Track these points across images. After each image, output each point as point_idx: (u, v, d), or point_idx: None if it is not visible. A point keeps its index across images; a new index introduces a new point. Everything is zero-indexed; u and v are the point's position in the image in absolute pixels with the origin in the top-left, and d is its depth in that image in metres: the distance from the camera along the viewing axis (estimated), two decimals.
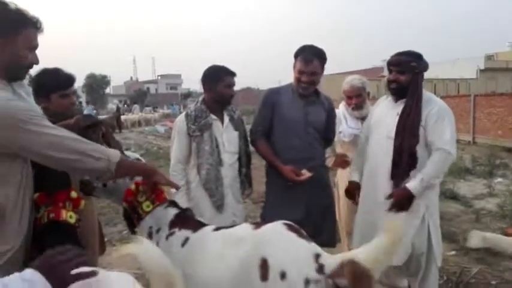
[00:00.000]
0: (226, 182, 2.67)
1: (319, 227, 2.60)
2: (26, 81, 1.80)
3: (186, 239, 1.88)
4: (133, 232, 2.12)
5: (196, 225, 1.97)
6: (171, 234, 1.94)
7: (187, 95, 52.59)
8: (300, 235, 1.67)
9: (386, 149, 2.59)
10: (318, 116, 2.76)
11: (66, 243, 1.62)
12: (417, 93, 2.55)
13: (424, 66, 2.60)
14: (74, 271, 1.00)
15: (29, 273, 0.97)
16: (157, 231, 1.99)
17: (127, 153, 2.12)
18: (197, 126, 2.64)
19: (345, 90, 3.33)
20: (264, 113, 2.77)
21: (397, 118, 2.59)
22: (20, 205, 1.54)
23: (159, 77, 68.32)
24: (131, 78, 70.42)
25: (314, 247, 1.64)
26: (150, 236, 1.98)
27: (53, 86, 2.30)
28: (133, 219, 2.05)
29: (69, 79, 2.42)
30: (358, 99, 3.27)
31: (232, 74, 2.75)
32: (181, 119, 2.75)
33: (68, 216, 1.66)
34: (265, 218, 2.60)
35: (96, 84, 47.43)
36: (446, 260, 3.54)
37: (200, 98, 2.80)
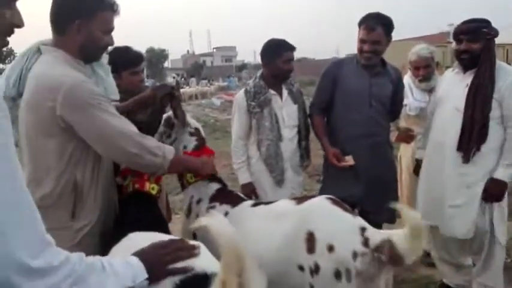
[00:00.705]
0: (286, 156, 2.68)
1: (380, 204, 2.56)
2: (105, 60, 1.86)
3: (226, 213, 1.95)
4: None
5: (236, 200, 2.03)
6: (211, 207, 2.03)
7: (242, 67, 52.82)
8: (345, 209, 1.70)
9: (454, 122, 2.47)
10: (383, 88, 2.66)
11: (148, 212, 1.79)
12: (490, 61, 2.40)
13: (495, 31, 2.44)
14: (171, 266, 1.07)
15: (135, 261, 1.04)
16: (198, 202, 2.09)
17: (190, 120, 2.20)
18: (256, 103, 2.65)
19: (411, 60, 3.18)
20: (324, 86, 2.73)
21: (466, 89, 2.45)
22: (95, 184, 1.64)
23: (215, 50, 69.06)
24: (188, 51, 71.87)
25: (359, 220, 1.66)
26: (190, 205, 2.11)
27: (124, 63, 2.40)
28: (180, 183, 2.19)
29: (139, 57, 2.54)
30: (426, 70, 3.11)
31: (292, 49, 2.70)
32: (241, 95, 2.77)
33: (151, 188, 1.80)
34: (324, 194, 2.62)
35: (156, 59, 48.84)
36: None
37: (258, 73, 2.79)
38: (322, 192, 2.73)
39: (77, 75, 1.55)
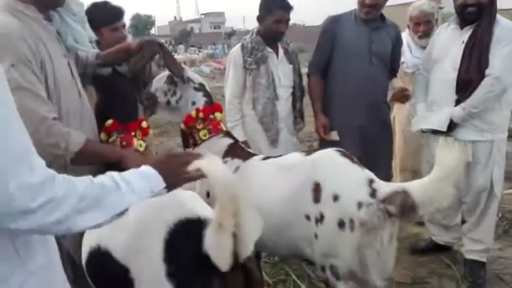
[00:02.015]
0: (281, 116, 2.66)
1: (375, 164, 2.58)
2: (78, 7, 1.72)
3: (237, 168, 1.95)
4: (186, 148, 2.21)
5: (247, 155, 2.02)
6: (224, 162, 1.96)
7: (231, 33, 51.76)
8: (353, 161, 1.70)
9: (452, 81, 2.43)
10: (383, 44, 2.63)
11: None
12: (491, 16, 2.35)
13: None
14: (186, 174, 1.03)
15: (151, 171, 1.02)
16: None
17: (192, 75, 2.12)
18: (253, 59, 2.58)
19: (412, 16, 3.11)
20: (323, 44, 2.67)
21: (463, 46, 2.40)
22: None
23: (202, 16, 67.41)
24: (175, 18, 70.01)
25: (367, 173, 1.67)
26: None
27: (103, 19, 2.31)
28: (188, 142, 2.13)
29: (118, 12, 2.41)
30: (426, 25, 3.06)
31: (286, 8, 2.58)
32: (237, 50, 2.68)
33: (138, 145, 1.75)
34: None
35: (142, 25, 47.62)
36: (502, 198, 3.45)
37: (255, 29, 2.70)
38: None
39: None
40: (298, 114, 2.81)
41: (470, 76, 2.36)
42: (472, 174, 2.48)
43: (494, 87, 2.31)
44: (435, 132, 2.51)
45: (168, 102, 2.09)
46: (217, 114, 2.11)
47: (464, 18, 2.46)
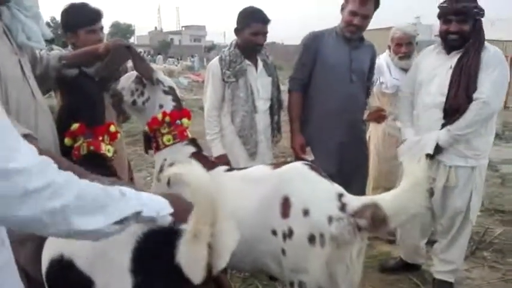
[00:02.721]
0: (260, 129, 2.64)
1: (349, 181, 2.58)
2: (30, 1, 1.61)
3: None
4: (147, 153, 2.19)
5: (211, 165, 1.95)
6: None
7: (211, 47, 51.92)
8: (321, 175, 1.68)
9: (438, 106, 2.43)
10: (362, 63, 2.67)
11: (105, 175, 1.70)
12: (479, 42, 2.37)
13: (483, 10, 2.40)
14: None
15: (159, 197, 1.02)
16: (170, 165, 1.95)
17: (162, 77, 2.06)
18: (232, 72, 2.56)
19: (395, 37, 3.18)
20: (305, 59, 2.68)
21: (450, 71, 2.41)
22: None
23: (183, 28, 67.43)
24: (155, 28, 69.69)
25: (336, 187, 1.65)
26: (161, 167, 2.00)
27: (79, 21, 2.28)
28: (149, 145, 2.07)
29: (96, 14, 2.37)
30: (408, 47, 3.13)
31: (263, 21, 2.56)
32: (215, 63, 2.67)
33: (107, 149, 1.70)
34: None
35: (121, 34, 47.22)
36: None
37: (234, 42, 2.68)
38: None
39: None
40: (275, 127, 2.81)
41: (458, 102, 2.35)
42: (449, 196, 2.51)
43: (483, 110, 2.31)
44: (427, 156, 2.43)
45: (134, 102, 2.02)
46: (185, 121, 2.04)
47: (448, 44, 2.48)
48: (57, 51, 1.89)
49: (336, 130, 2.63)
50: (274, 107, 2.77)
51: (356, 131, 2.73)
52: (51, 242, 1.29)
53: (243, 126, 2.59)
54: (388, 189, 3.11)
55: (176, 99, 2.05)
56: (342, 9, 2.64)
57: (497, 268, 2.95)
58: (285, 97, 2.90)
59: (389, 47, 3.28)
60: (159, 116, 1.98)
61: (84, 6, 2.32)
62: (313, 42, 2.68)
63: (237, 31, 2.62)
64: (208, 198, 0.93)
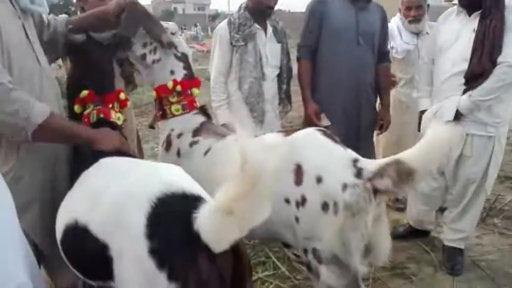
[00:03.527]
0: (267, 97, 2.58)
1: (356, 147, 2.55)
2: None
3: (209, 148, 1.83)
4: (153, 127, 2.11)
5: (220, 134, 1.89)
6: (195, 142, 1.87)
7: (215, 16, 50.95)
8: (335, 141, 1.63)
9: (461, 73, 2.31)
10: (370, 25, 2.58)
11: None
12: (500, 0, 2.21)
13: None
14: None
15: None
16: (179, 136, 1.91)
17: (177, 41, 1.93)
18: (241, 36, 2.47)
19: (404, 0, 3.08)
20: (312, 25, 2.60)
21: (473, 35, 2.27)
22: None
23: None
24: None
25: (351, 152, 1.60)
26: (169, 138, 1.93)
27: None
28: (156, 113, 1.99)
29: None
30: (417, 11, 3.01)
31: None
32: (223, 27, 2.57)
33: (116, 117, 1.66)
34: None
35: None
36: None
37: (243, 4, 2.58)
38: None
39: None
40: (284, 96, 2.74)
41: (482, 67, 2.22)
42: (461, 166, 2.44)
43: (508, 75, 2.19)
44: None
45: (144, 57, 1.88)
46: (195, 90, 1.97)
47: (462, 5, 2.35)
48: (64, 15, 1.82)
49: (344, 94, 2.59)
50: (283, 75, 2.69)
51: (364, 95, 2.67)
52: (65, 209, 1.29)
53: (251, 93, 2.52)
54: None
55: (188, 66, 1.95)
56: None
57: (508, 235, 2.94)
58: (293, 66, 2.83)
59: (399, 10, 3.16)
60: (170, 84, 1.89)
61: None
62: (319, 7, 2.60)
63: None
64: (257, 179, 0.89)
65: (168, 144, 1.94)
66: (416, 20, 3.02)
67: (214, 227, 0.95)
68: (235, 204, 0.90)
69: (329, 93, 2.60)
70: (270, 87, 2.62)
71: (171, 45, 1.88)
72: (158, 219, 1.05)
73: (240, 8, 2.59)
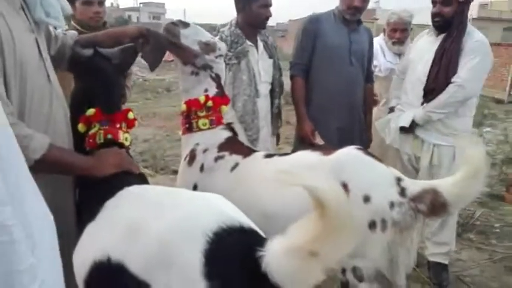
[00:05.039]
0: (261, 114, 2.55)
1: None
2: None
3: (236, 164, 1.80)
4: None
5: (248, 150, 1.89)
6: (220, 157, 1.85)
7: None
8: (377, 159, 1.65)
9: (422, 87, 2.52)
10: (361, 45, 2.66)
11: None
12: (462, 25, 2.44)
13: None
14: None
15: None
16: (204, 151, 1.88)
17: (209, 59, 1.95)
18: (234, 53, 2.43)
19: (390, 21, 3.20)
20: (305, 43, 2.61)
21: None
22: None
23: (141, 5, 64.85)
24: (112, 4, 66.52)
25: (394, 171, 1.63)
26: (193, 152, 1.91)
27: None
28: (182, 125, 1.99)
29: None
30: (402, 33, 3.15)
31: None
32: None
33: (124, 138, 1.54)
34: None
35: None
36: None
37: (233, 21, 2.55)
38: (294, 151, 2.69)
39: None
40: (276, 111, 2.72)
41: (436, 83, 2.45)
42: (436, 177, 2.48)
43: (457, 93, 2.41)
44: (402, 129, 2.60)
45: (194, 64, 1.93)
46: (224, 108, 1.98)
47: (434, 27, 2.56)
48: (74, 31, 1.70)
49: (337, 113, 2.62)
50: (275, 90, 2.68)
51: (356, 113, 2.72)
52: (91, 244, 1.16)
53: (245, 111, 2.47)
54: None
55: (219, 85, 1.99)
56: None
57: (484, 249, 3.07)
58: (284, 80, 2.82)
59: (384, 31, 3.28)
60: (202, 99, 1.90)
61: None
62: (312, 26, 2.64)
63: (242, 8, 2.49)
64: (340, 221, 0.83)
65: (192, 159, 1.90)
66: (400, 42, 3.15)
67: (293, 268, 0.87)
68: (320, 245, 0.84)
69: (323, 112, 2.61)
70: (264, 104, 2.58)
71: (206, 68, 1.93)
72: (218, 257, 0.95)
73: (230, 24, 2.54)
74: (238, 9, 2.52)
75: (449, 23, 2.45)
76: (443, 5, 2.44)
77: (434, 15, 2.51)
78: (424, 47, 2.61)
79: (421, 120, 2.51)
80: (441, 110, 2.46)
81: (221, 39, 2.47)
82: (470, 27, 2.51)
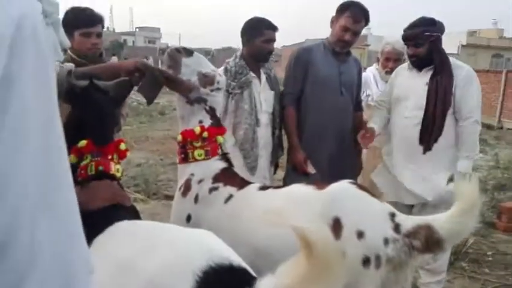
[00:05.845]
0: (261, 143, 2.61)
1: None
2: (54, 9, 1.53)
3: (230, 196, 1.81)
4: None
5: (242, 182, 1.90)
6: (214, 188, 1.86)
7: (165, 50, 50.88)
8: (371, 194, 1.65)
9: (415, 119, 2.57)
10: (350, 76, 2.73)
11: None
12: (443, 59, 2.53)
13: (440, 30, 2.56)
14: None
15: None
16: (199, 181, 1.90)
17: (203, 92, 1.99)
18: (237, 84, 2.52)
19: (384, 51, 3.29)
20: (297, 73, 2.68)
21: (426, 87, 2.55)
22: None
23: (137, 29, 65.71)
24: (108, 28, 67.35)
25: (388, 206, 1.62)
26: (188, 182, 1.92)
27: (75, 22, 2.25)
28: (178, 154, 2.01)
29: (94, 18, 2.35)
30: (396, 63, 3.22)
31: (274, 28, 2.62)
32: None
33: (116, 169, 1.54)
34: (288, 182, 2.58)
35: None
36: None
37: (238, 53, 2.67)
38: (286, 180, 2.70)
39: None
40: (277, 141, 2.78)
41: (435, 116, 2.51)
42: (427, 210, 2.53)
43: (477, 129, 2.53)
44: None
45: (188, 98, 1.98)
46: (219, 138, 2.01)
47: (413, 65, 2.65)
48: (71, 64, 1.72)
49: (327, 143, 2.67)
50: (276, 121, 2.74)
51: (347, 142, 2.76)
52: None
53: (245, 139, 2.54)
54: None
55: (214, 116, 2.02)
56: (332, 22, 2.68)
57: (476, 278, 3.07)
58: None
59: (377, 60, 3.34)
60: (197, 130, 1.93)
61: (85, 9, 2.30)
62: (304, 55, 2.71)
63: (247, 41, 2.61)
64: (328, 262, 0.84)
65: (186, 189, 1.92)
66: (392, 71, 3.19)
67: None
68: (309, 285, 0.84)
69: (314, 141, 2.66)
70: (264, 133, 2.65)
71: (200, 101, 1.96)
72: None
73: (235, 56, 2.66)
74: (243, 42, 2.65)
75: (428, 60, 2.55)
76: (415, 47, 2.55)
77: (410, 56, 2.62)
78: (409, 83, 2.66)
79: (469, 169, 2.50)
80: (477, 148, 2.54)
81: (226, 69, 2.59)
82: (452, 59, 2.61)
